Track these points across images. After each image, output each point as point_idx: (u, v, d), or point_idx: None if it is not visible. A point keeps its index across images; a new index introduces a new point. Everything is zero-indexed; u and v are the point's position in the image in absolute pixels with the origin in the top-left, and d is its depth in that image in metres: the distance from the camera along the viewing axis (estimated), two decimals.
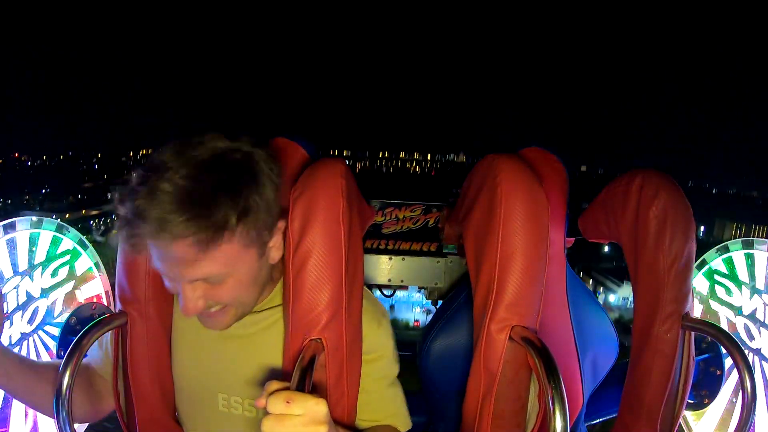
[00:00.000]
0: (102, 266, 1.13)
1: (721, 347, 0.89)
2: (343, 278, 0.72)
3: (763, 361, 1.09)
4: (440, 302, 1.25)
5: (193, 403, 0.83)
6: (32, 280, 0.99)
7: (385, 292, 1.38)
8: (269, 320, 0.78)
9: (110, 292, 1.12)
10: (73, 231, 1.08)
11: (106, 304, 1.12)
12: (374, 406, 0.81)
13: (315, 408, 0.56)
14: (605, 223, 0.96)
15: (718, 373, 1.06)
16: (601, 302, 1.08)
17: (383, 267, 1.26)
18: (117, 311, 0.81)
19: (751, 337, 1.11)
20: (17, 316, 0.97)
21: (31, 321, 0.99)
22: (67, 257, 1.06)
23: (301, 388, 0.61)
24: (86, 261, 1.10)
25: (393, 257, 1.26)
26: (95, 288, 1.12)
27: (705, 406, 1.08)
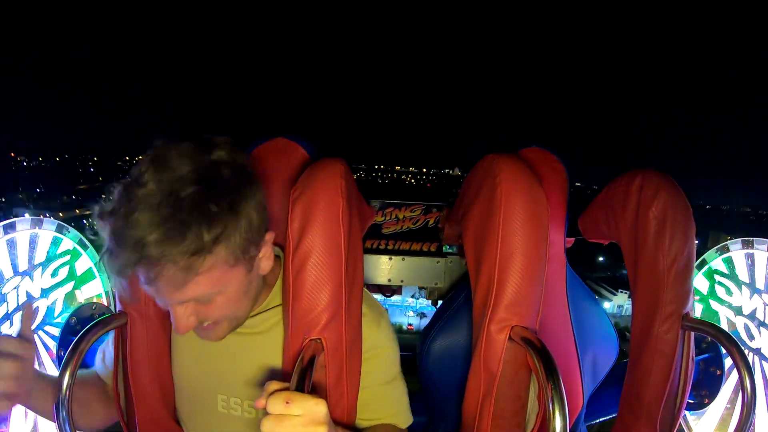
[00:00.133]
0: (102, 266, 1.13)
1: (721, 347, 0.89)
2: (342, 278, 0.72)
3: (763, 361, 1.09)
4: (440, 302, 1.25)
5: (192, 404, 0.83)
6: (32, 280, 1.00)
7: (385, 292, 1.38)
8: (269, 321, 0.78)
9: (110, 293, 1.13)
10: (73, 231, 1.08)
11: (106, 305, 1.12)
12: (374, 405, 0.80)
13: (314, 408, 0.55)
14: (605, 223, 0.96)
15: (718, 373, 1.06)
16: None
17: (383, 267, 1.26)
18: (117, 311, 0.81)
19: (751, 337, 1.11)
20: (17, 316, 0.97)
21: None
22: (68, 257, 1.07)
23: (300, 388, 0.61)
24: (86, 261, 1.10)
25: (393, 257, 1.26)
26: (95, 288, 1.12)
27: (705, 406, 1.08)
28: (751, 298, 1.11)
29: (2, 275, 0.95)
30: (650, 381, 0.87)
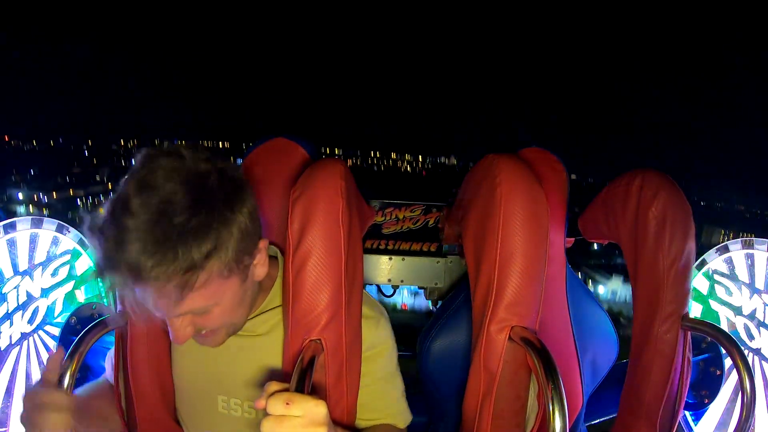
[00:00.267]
0: None
1: (721, 347, 0.89)
2: (342, 279, 0.72)
3: (762, 361, 1.09)
4: (440, 302, 1.25)
5: (192, 404, 0.83)
6: (32, 279, 1.00)
7: (386, 292, 1.38)
8: (268, 323, 0.78)
9: (110, 293, 1.13)
10: (73, 231, 1.08)
11: (106, 304, 1.12)
12: (373, 405, 0.81)
13: (314, 409, 0.56)
14: (605, 223, 0.96)
15: (718, 373, 1.06)
16: None
17: (383, 267, 1.26)
18: (117, 311, 0.81)
19: (751, 337, 1.11)
20: (17, 315, 0.97)
21: (31, 321, 1.00)
22: (68, 257, 1.07)
23: (300, 389, 0.61)
24: (86, 261, 1.10)
25: (393, 257, 1.26)
26: (95, 288, 1.12)
27: (705, 406, 1.08)
28: (750, 298, 1.11)
29: (2, 275, 0.95)
30: (650, 381, 0.87)
